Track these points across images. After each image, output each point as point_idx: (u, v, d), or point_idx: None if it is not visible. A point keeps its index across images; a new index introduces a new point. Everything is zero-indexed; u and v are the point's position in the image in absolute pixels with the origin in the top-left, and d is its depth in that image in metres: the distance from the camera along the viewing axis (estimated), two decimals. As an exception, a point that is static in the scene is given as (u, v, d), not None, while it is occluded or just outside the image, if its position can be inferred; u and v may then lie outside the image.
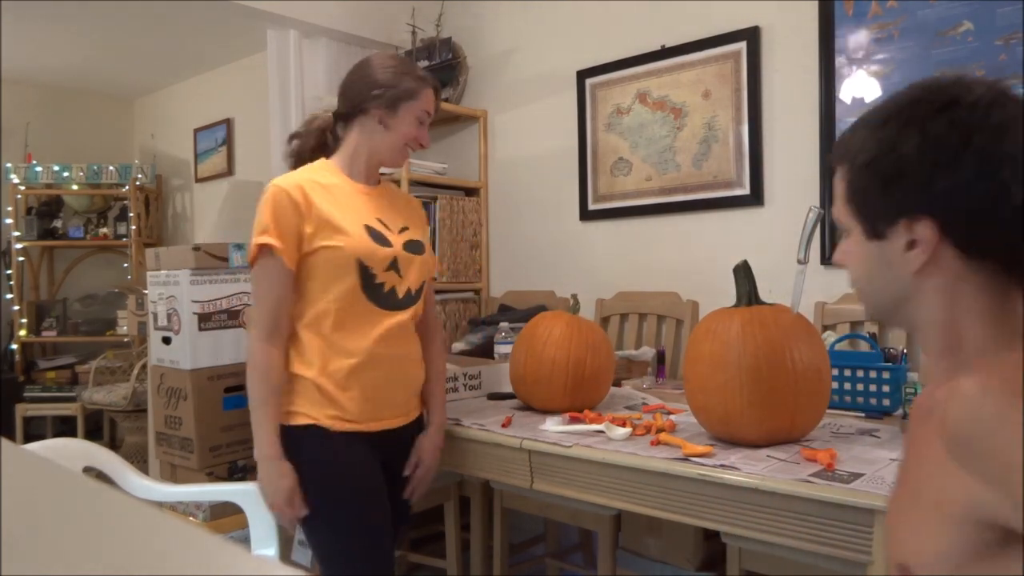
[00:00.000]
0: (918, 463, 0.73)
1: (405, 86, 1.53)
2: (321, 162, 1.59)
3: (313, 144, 1.62)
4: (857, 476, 1.24)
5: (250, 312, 1.46)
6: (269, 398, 1.44)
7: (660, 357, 2.35)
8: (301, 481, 1.45)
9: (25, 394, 4.34)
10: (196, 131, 4.92)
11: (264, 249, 1.44)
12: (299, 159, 1.63)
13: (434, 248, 2.98)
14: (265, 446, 1.43)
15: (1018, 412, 0.60)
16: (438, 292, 3.02)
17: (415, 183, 2.94)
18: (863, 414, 1.74)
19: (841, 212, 0.81)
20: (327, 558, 1.48)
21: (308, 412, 1.46)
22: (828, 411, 1.71)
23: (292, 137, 1.66)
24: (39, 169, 4.55)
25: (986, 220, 0.70)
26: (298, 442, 1.46)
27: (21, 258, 4.60)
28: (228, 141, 4.70)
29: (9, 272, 4.55)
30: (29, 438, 4.28)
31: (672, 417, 1.71)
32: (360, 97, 1.53)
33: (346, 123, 1.58)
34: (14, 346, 4.51)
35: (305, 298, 1.48)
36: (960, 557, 0.66)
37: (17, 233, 4.54)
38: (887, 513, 0.82)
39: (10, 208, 4.53)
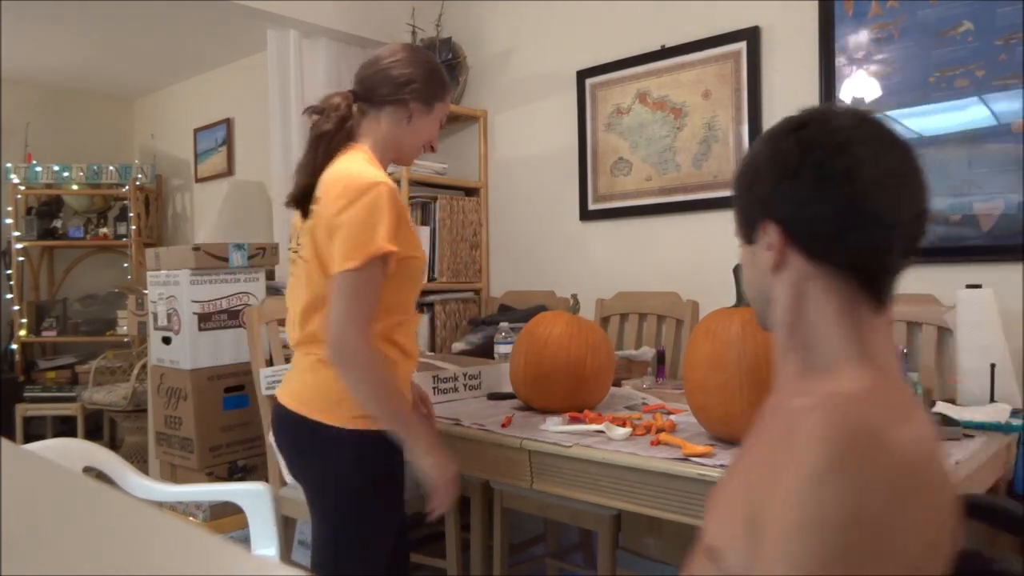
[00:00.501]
0: (753, 458, 0.77)
1: (441, 84, 1.50)
2: (364, 153, 1.45)
3: (335, 125, 1.45)
4: (857, 476, 1.23)
5: (349, 316, 1.31)
6: (403, 395, 1.41)
7: (660, 357, 2.35)
8: (366, 484, 1.40)
9: (25, 394, 4.34)
10: (196, 131, 4.92)
11: (386, 256, 1.33)
12: (324, 143, 1.45)
13: (434, 248, 2.99)
14: (429, 436, 1.41)
15: (844, 455, 0.63)
16: (438, 291, 3.02)
17: (415, 183, 2.94)
18: (863, 414, 1.74)
19: (735, 224, 0.87)
20: (363, 558, 1.44)
21: None
22: (828, 411, 1.71)
23: (310, 110, 1.49)
24: (39, 169, 4.55)
25: (824, 229, 0.75)
26: (370, 446, 1.40)
27: (21, 258, 4.60)
28: (228, 141, 4.70)
29: (9, 272, 4.55)
30: (29, 438, 4.28)
31: (672, 417, 1.71)
32: (396, 85, 1.44)
33: (374, 109, 1.47)
34: (14, 346, 4.51)
35: (384, 304, 1.39)
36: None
37: (17, 233, 4.54)
38: (715, 490, 0.84)
39: (10, 208, 4.54)
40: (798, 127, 0.78)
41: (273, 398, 1.53)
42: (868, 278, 0.75)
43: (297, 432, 1.44)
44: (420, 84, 1.45)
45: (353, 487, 1.41)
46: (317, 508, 1.46)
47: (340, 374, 1.34)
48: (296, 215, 1.47)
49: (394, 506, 1.48)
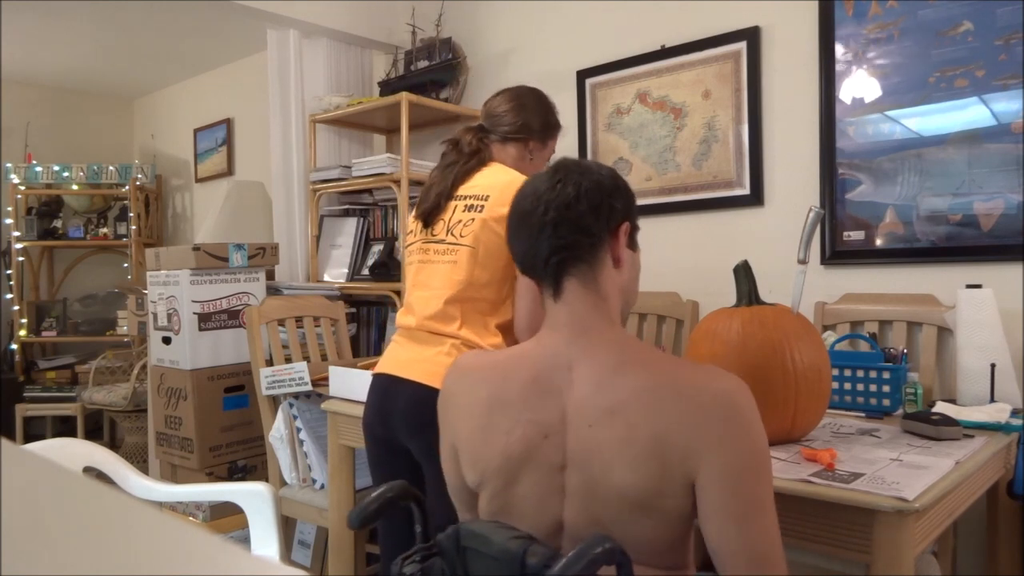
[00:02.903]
0: None
1: (555, 126, 1.76)
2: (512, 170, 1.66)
3: (466, 158, 1.66)
4: (857, 476, 1.24)
5: (536, 309, 1.54)
6: None
7: (660, 357, 2.34)
8: None
9: (25, 394, 4.35)
10: (196, 131, 4.92)
11: None
12: (454, 171, 1.65)
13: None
14: None
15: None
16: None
17: (415, 183, 2.94)
18: (863, 414, 1.74)
19: None
20: None
21: None
22: (828, 411, 1.71)
23: (447, 142, 1.72)
24: (39, 169, 4.55)
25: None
26: None
27: (21, 258, 4.60)
28: (228, 141, 4.70)
29: (9, 272, 4.55)
30: (29, 438, 4.28)
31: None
32: (517, 127, 1.69)
33: (500, 141, 1.70)
34: (14, 346, 4.51)
35: (509, 307, 1.60)
36: None
37: (17, 233, 4.54)
38: None
39: (10, 208, 4.54)
40: None
41: (394, 381, 1.58)
42: (542, 281, 1.12)
43: None
44: (538, 127, 1.72)
45: None
46: None
47: None
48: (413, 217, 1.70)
49: None
